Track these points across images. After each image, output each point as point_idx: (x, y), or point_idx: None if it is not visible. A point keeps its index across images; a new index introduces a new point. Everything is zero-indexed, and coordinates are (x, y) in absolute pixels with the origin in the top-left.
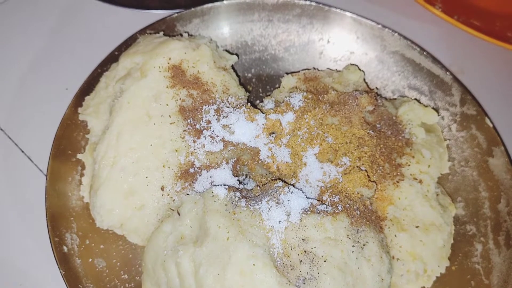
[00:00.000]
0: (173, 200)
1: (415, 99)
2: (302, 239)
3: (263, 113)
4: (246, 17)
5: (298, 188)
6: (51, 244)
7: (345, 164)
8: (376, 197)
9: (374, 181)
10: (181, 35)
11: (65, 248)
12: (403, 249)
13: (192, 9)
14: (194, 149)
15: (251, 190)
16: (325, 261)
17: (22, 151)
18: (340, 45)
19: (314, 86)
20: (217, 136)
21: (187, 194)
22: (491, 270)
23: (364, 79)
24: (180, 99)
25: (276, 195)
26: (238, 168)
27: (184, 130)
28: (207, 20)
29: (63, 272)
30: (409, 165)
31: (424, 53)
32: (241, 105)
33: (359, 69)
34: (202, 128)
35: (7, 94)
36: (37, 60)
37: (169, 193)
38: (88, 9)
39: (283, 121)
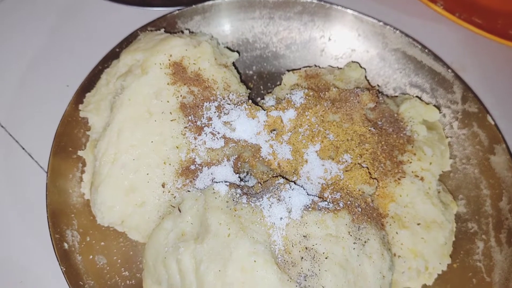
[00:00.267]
0: (174, 197)
1: (417, 96)
2: (303, 236)
3: (264, 110)
4: (247, 15)
5: (299, 185)
6: (51, 241)
7: (346, 161)
8: (378, 194)
9: (375, 178)
10: (182, 32)
11: (65, 245)
12: (405, 247)
13: (193, 6)
14: (195, 146)
15: (252, 187)
16: (326, 258)
17: (23, 148)
18: (342, 42)
19: (315, 83)
20: (218, 133)
21: (188, 191)
22: (493, 267)
23: (366, 77)
24: (181, 96)
25: (277, 192)
26: (239, 165)
27: (185, 127)
28: (208, 17)
29: (64, 269)
30: (410, 162)
31: (426, 50)
32: (242, 102)
33: (361, 67)
34: (203, 125)
35: (8, 91)
36: (38, 57)
37: (170, 190)
38: (89, 6)
39: (284, 118)
